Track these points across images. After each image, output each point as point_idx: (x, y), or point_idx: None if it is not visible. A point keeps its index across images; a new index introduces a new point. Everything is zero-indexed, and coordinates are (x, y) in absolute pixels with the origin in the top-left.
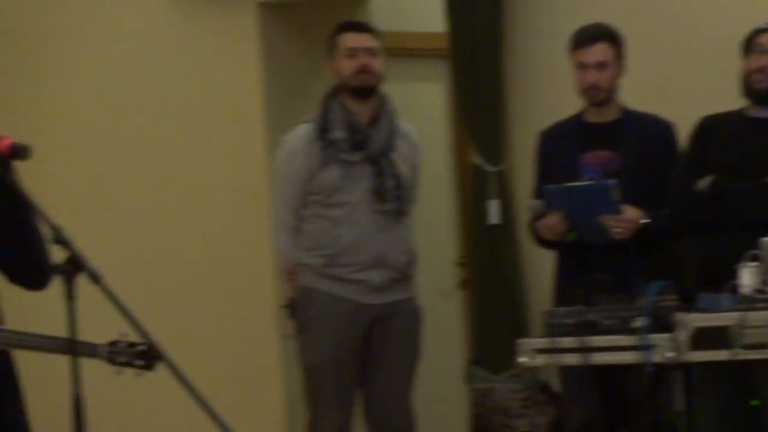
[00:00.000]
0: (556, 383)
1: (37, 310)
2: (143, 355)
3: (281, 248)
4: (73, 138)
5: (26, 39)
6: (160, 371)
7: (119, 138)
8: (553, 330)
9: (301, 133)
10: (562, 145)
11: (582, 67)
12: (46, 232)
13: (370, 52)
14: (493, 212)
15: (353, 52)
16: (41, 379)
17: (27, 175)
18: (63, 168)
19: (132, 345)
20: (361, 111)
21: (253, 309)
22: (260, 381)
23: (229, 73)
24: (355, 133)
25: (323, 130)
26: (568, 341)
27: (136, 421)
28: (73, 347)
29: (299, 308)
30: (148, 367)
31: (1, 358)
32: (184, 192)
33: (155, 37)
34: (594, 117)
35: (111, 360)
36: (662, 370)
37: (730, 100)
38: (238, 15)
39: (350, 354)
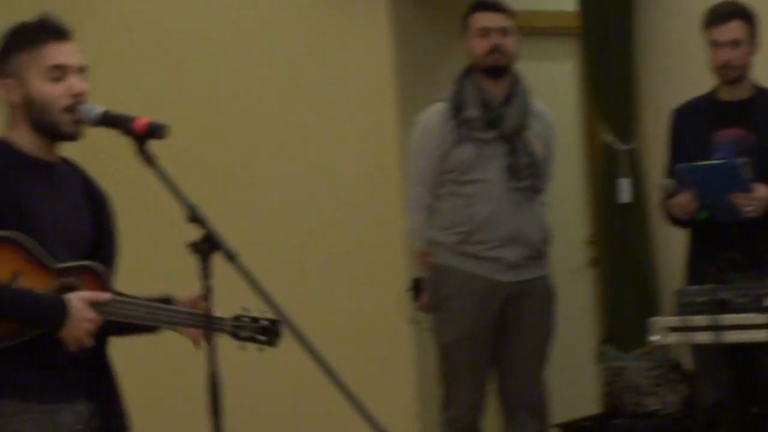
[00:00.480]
0: (687, 362)
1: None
2: (266, 331)
3: (415, 227)
4: (211, 119)
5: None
6: (293, 349)
7: (254, 120)
8: (685, 308)
9: (435, 111)
10: (695, 123)
11: (715, 45)
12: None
13: (502, 31)
14: (624, 191)
15: (485, 32)
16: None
17: (163, 155)
18: (199, 148)
19: (255, 320)
20: (495, 90)
21: (385, 288)
22: (393, 359)
23: (361, 53)
24: (488, 111)
25: (457, 109)
26: (699, 320)
27: (269, 398)
28: (208, 322)
29: (434, 287)
30: (270, 342)
31: (99, 343)
32: (318, 172)
33: (289, 20)
34: (726, 95)
35: (235, 335)
36: None
37: None
38: (370, 3)
39: (484, 332)
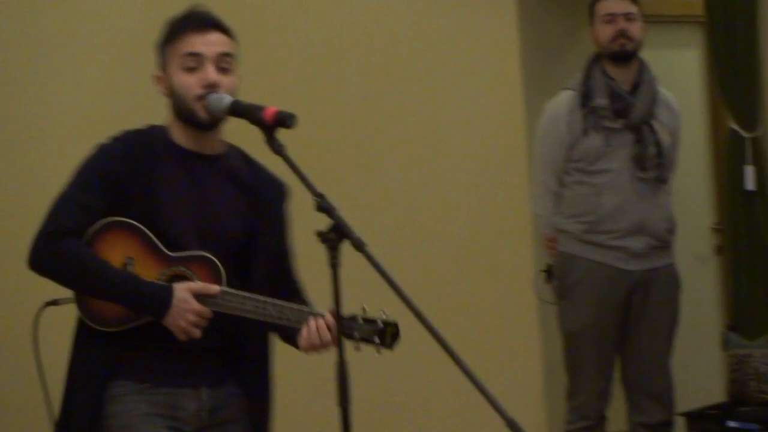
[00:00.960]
0: None
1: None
2: (382, 333)
3: (542, 213)
4: (338, 108)
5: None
6: (421, 336)
7: (381, 108)
8: None
9: (563, 99)
10: None
11: None
12: (313, 198)
13: (628, 17)
14: (749, 178)
15: (611, 18)
16: None
17: (291, 144)
18: (326, 137)
19: (371, 321)
20: (622, 78)
21: (512, 274)
22: (519, 346)
23: (488, 41)
24: (617, 100)
25: (585, 97)
26: None
27: (397, 385)
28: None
29: (559, 274)
30: (386, 345)
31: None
32: (445, 160)
33: (414, 5)
34: None
35: (349, 335)
36: None
37: None
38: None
39: (610, 320)
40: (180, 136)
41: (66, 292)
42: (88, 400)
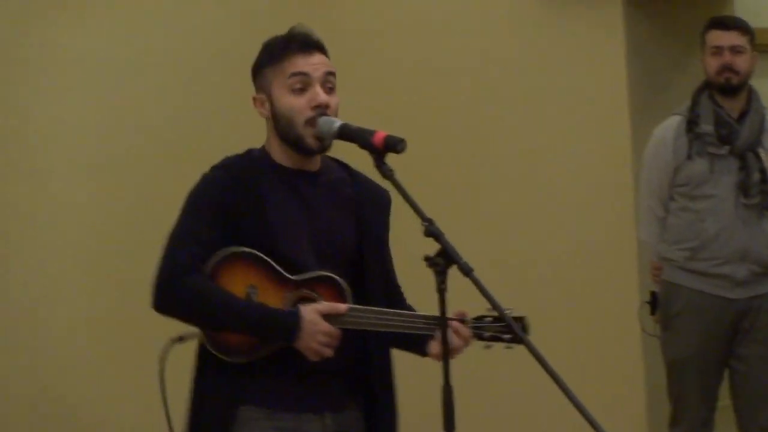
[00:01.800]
0: None
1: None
2: (511, 329)
3: (648, 240)
4: (446, 133)
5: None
6: (525, 361)
7: (488, 134)
8: None
9: (671, 124)
10: None
11: None
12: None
13: (734, 50)
14: None
15: (717, 50)
16: None
17: (404, 171)
18: (434, 162)
19: (498, 319)
20: (730, 106)
21: (616, 302)
22: (622, 374)
23: (595, 67)
24: (722, 127)
25: (691, 123)
26: None
27: (500, 409)
28: (444, 324)
29: (663, 303)
30: (516, 340)
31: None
32: (552, 185)
33: (522, 31)
34: None
35: (478, 336)
36: None
37: None
38: (604, 10)
39: (714, 349)
40: (282, 156)
41: (191, 328)
42: (216, 424)
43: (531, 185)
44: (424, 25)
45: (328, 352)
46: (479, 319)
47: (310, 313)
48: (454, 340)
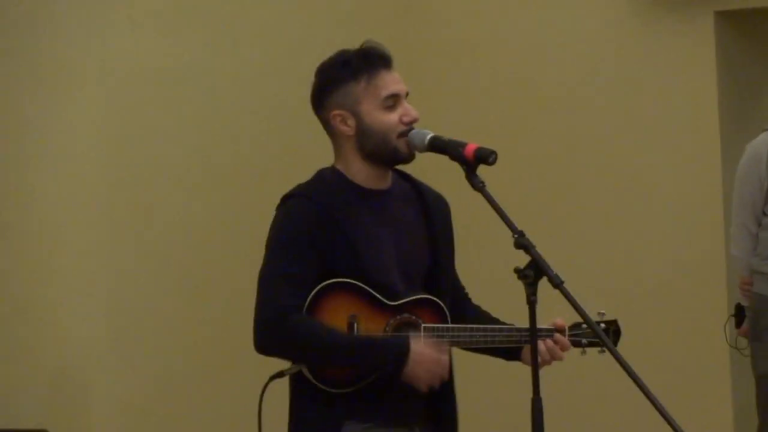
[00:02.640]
0: None
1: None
2: (606, 333)
3: (739, 255)
4: (535, 145)
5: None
6: (614, 372)
7: (577, 146)
8: None
9: (764, 140)
10: None
11: None
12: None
13: None
14: None
15: None
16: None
17: (494, 182)
18: (524, 174)
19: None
20: None
21: (705, 316)
22: (709, 388)
23: (685, 80)
24: None
25: None
26: None
27: (590, 420)
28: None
29: (753, 316)
30: (614, 342)
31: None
32: (641, 200)
33: (615, 44)
34: None
35: (576, 343)
36: None
37: None
38: (695, 23)
39: None
40: (361, 174)
41: (289, 364)
42: None
43: (620, 200)
44: (518, 37)
45: (437, 382)
46: (575, 326)
47: (417, 343)
48: (556, 352)
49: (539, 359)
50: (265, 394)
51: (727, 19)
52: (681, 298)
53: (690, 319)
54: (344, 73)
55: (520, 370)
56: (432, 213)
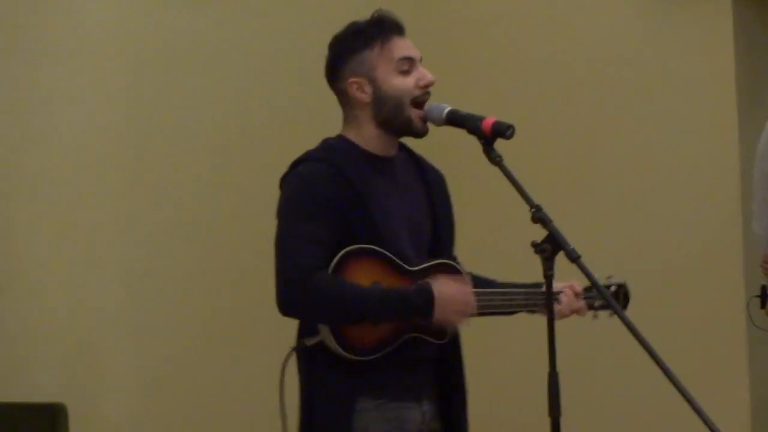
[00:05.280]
0: None
1: None
2: (617, 296)
3: (760, 232)
4: (553, 121)
5: None
6: (631, 347)
7: (594, 123)
8: None
9: None
10: None
11: None
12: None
13: None
14: None
15: None
16: None
17: (515, 158)
18: (542, 149)
19: (605, 287)
20: None
21: (722, 297)
22: (726, 371)
23: (703, 66)
24: None
25: None
26: None
27: (605, 395)
28: (550, 301)
29: None
30: (623, 307)
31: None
32: (657, 176)
33: (632, 25)
34: None
35: (589, 306)
36: None
37: None
38: (713, 5)
39: None
40: (374, 142)
41: (311, 334)
42: (336, 418)
43: (637, 178)
44: (542, 15)
45: (466, 319)
46: (589, 289)
47: (442, 285)
48: (573, 303)
49: (561, 313)
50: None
51: (746, 3)
52: (698, 278)
53: (707, 300)
54: (358, 41)
55: (534, 342)
56: (431, 184)
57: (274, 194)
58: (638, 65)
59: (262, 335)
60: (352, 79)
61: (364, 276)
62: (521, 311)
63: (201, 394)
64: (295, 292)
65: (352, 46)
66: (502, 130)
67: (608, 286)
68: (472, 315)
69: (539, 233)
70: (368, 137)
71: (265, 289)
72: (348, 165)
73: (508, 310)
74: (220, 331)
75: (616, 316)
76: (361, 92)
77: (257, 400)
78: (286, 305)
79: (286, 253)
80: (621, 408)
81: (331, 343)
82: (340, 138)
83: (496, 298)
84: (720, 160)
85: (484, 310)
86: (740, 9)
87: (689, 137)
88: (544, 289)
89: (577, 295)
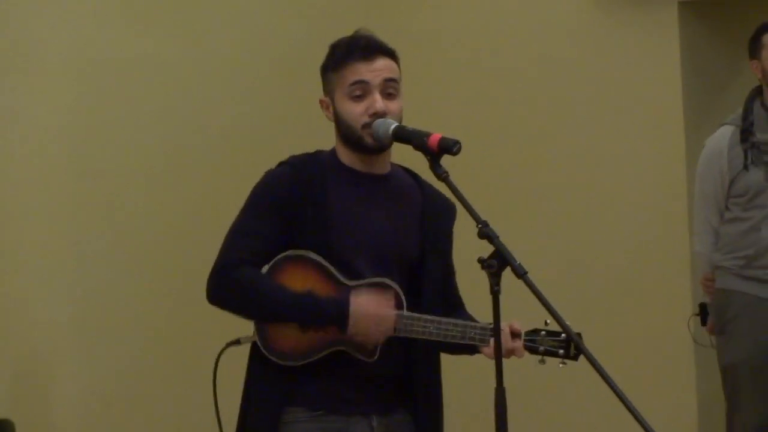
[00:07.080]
0: None
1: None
2: (566, 345)
3: (702, 251)
4: (500, 137)
5: None
6: (579, 365)
7: (541, 139)
8: None
9: (724, 134)
10: None
11: None
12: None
13: None
14: None
15: None
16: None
17: (460, 173)
18: (488, 165)
19: (554, 333)
20: None
21: (669, 310)
22: (674, 382)
23: (648, 71)
24: None
25: (746, 132)
26: None
27: (554, 412)
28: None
29: (716, 311)
30: (573, 357)
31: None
32: (604, 192)
33: (578, 34)
34: None
35: (531, 349)
36: None
37: None
38: (659, 14)
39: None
40: (348, 157)
41: (247, 331)
42: (263, 425)
43: (583, 190)
44: (481, 27)
45: (382, 337)
46: (533, 332)
47: (360, 299)
48: (508, 342)
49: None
50: (223, 367)
51: (691, 9)
52: (645, 292)
53: (654, 314)
54: (328, 61)
55: (485, 361)
56: (429, 214)
57: (224, 210)
58: (583, 76)
59: (213, 351)
60: (321, 98)
61: (298, 281)
62: (460, 343)
63: (149, 410)
64: (216, 281)
65: (325, 65)
66: (449, 146)
67: (557, 333)
68: (389, 334)
69: (487, 249)
70: (341, 153)
71: (212, 306)
72: (318, 173)
73: (444, 340)
74: (170, 347)
75: (565, 364)
76: (327, 111)
77: (207, 416)
78: (208, 293)
79: (224, 245)
80: (568, 424)
81: (259, 342)
82: (330, 150)
83: (430, 326)
84: (667, 174)
85: (413, 335)
86: (686, 15)
87: (635, 150)
88: (489, 325)
89: (513, 334)
